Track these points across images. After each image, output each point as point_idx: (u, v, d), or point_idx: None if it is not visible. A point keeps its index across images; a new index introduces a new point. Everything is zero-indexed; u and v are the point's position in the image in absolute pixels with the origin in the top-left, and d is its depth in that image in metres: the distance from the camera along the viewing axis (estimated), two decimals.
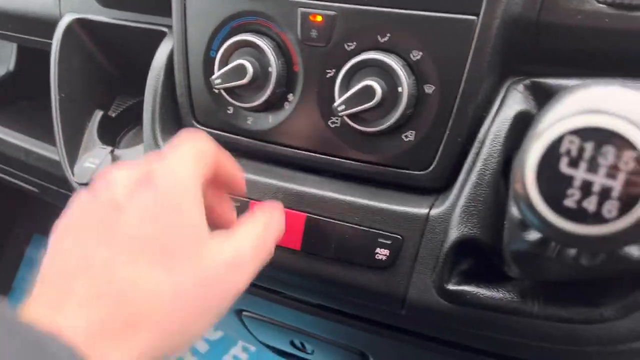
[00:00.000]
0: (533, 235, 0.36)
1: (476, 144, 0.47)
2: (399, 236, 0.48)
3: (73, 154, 0.69)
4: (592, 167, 0.27)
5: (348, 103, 0.48)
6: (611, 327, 0.43)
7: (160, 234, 0.35)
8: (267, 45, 0.52)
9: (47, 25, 0.72)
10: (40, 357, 0.29)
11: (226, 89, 0.53)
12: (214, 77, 0.53)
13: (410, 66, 0.48)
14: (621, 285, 0.43)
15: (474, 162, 0.47)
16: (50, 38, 0.70)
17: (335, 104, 0.48)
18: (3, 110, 0.93)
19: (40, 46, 0.77)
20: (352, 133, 0.51)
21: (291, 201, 0.52)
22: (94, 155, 0.67)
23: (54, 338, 0.30)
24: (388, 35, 0.48)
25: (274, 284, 0.58)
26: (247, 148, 0.56)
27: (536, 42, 0.47)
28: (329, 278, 0.51)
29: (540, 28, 0.46)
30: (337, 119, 0.51)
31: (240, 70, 0.52)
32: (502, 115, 0.47)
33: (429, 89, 0.48)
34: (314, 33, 0.51)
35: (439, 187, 0.50)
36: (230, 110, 0.56)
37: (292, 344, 0.76)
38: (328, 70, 0.51)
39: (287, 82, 0.53)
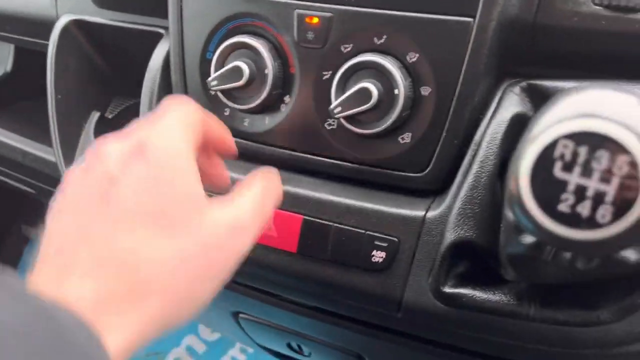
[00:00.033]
0: (529, 239, 0.36)
1: (472, 146, 0.47)
2: (395, 239, 0.48)
3: (70, 155, 0.69)
4: (586, 171, 0.27)
5: (344, 105, 0.48)
6: (608, 329, 0.43)
7: (158, 204, 0.35)
8: (263, 47, 0.52)
9: (43, 26, 0.72)
10: (49, 325, 0.28)
11: (222, 91, 0.53)
12: (210, 78, 0.52)
13: (407, 68, 0.48)
14: (618, 288, 0.43)
15: (470, 165, 0.47)
16: (47, 39, 0.70)
17: (332, 106, 0.48)
18: (0, 112, 0.93)
19: (38, 47, 0.76)
20: (349, 135, 0.50)
21: (287, 203, 0.52)
22: None
23: (61, 307, 0.30)
24: (384, 37, 0.48)
25: (270, 286, 0.58)
26: (244, 150, 0.56)
27: (532, 44, 0.47)
28: (325, 281, 0.51)
29: (536, 30, 0.46)
30: (333, 121, 0.51)
31: (236, 72, 0.51)
32: (499, 117, 0.47)
33: (425, 91, 0.48)
34: (310, 35, 0.50)
35: (436, 189, 0.49)
36: (227, 112, 0.56)
37: (289, 346, 0.76)
38: (324, 72, 0.51)
39: (283, 84, 0.53)
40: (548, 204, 0.28)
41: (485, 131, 0.47)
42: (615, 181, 0.27)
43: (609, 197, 0.27)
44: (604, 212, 0.27)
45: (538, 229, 0.29)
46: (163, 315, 0.34)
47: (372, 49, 0.48)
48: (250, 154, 0.56)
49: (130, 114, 0.71)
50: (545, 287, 0.44)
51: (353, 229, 0.50)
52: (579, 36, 0.45)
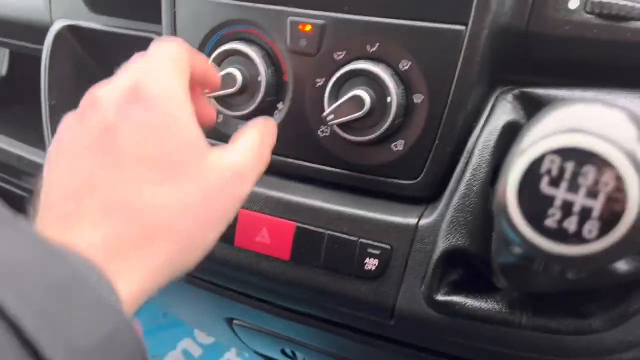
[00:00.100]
0: (519, 249, 0.36)
1: (465, 154, 0.47)
2: (388, 246, 0.48)
3: None
4: (573, 187, 0.27)
5: (337, 113, 0.48)
6: (600, 338, 0.43)
7: (160, 150, 0.34)
8: (256, 54, 0.52)
9: (38, 31, 0.72)
10: (62, 266, 0.28)
11: (216, 98, 0.53)
12: None
13: (400, 76, 0.48)
14: (610, 297, 0.43)
15: (463, 172, 0.47)
16: (42, 44, 0.70)
17: (325, 114, 0.48)
18: None
19: (33, 52, 0.76)
20: (342, 142, 0.50)
21: (281, 210, 0.52)
22: None
23: (72, 251, 0.30)
24: (377, 45, 0.48)
25: (263, 293, 0.58)
26: None
27: (525, 52, 0.47)
28: (319, 288, 0.51)
29: (529, 38, 0.46)
30: (326, 129, 0.51)
31: (230, 79, 0.51)
32: (491, 125, 0.47)
33: (418, 98, 0.48)
34: (303, 42, 0.50)
35: (429, 196, 0.49)
36: (220, 119, 0.56)
37: (283, 352, 0.75)
38: (317, 80, 0.50)
39: (276, 91, 0.53)
40: (535, 218, 0.28)
41: (478, 139, 0.47)
42: (601, 197, 0.27)
43: (596, 213, 0.27)
44: (591, 228, 0.27)
45: (525, 243, 0.29)
46: (171, 261, 0.34)
47: (365, 57, 0.48)
48: None
49: None
50: (537, 296, 0.44)
51: (346, 236, 0.49)
52: (571, 44, 0.45)
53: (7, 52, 0.94)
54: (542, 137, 0.27)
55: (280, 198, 0.52)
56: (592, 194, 0.27)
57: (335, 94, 0.49)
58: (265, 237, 0.52)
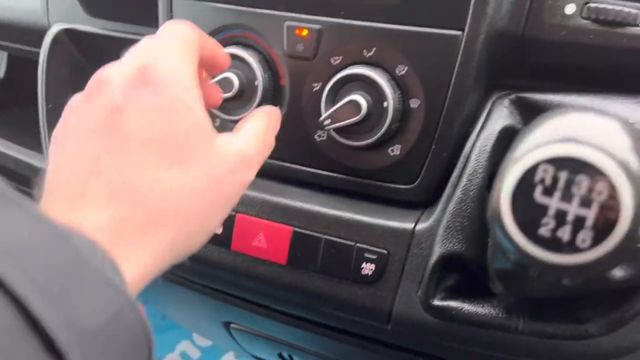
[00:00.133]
0: (514, 257, 0.36)
1: (462, 159, 0.47)
2: (384, 251, 0.48)
3: None
4: (566, 196, 0.27)
5: (334, 117, 0.48)
6: (596, 343, 0.43)
7: (166, 134, 0.34)
8: (253, 58, 0.52)
9: (35, 34, 0.72)
10: (67, 247, 0.28)
11: None
12: None
13: (396, 80, 0.48)
14: (606, 302, 0.43)
15: (459, 177, 0.47)
16: (39, 47, 0.70)
17: (321, 118, 0.48)
18: None
19: (30, 55, 0.76)
20: (339, 147, 0.50)
21: (277, 215, 0.52)
22: None
23: (77, 233, 0.29)
24: (374, 49, 0.48)
25: (260, 297, 0.58)
26: None
27: (521, 57, 0.47)
28: (315, 292, 0.51)
29: (525, 43, 0.46)
30: (323, 133, 0.51)
31: (226, 83, 0.51)
32: (488, 130, 0.47)
33: (414, 103, 0.48)
34: (299, 47, 0.50)
35: (425, 201, 0.49)
36: (217, 123, 0.56)
37: (280, 356, 0.75)
38: (314, 84, 0.51)
39: (273, 95, 0.53)
40: (529, 227, 0.28)
41: (474, 144, 0.47)
42: (594, 206, 0.27)
43: (589, 222, 0.27)
44: (584, 237, 0.27)
45: (519, 251, 0.29)
46: (175, 244, 0.34)
47: (361, 62, 0.48)
48: None
49: None
50: (533, 301, 0.44)
51: (343, 240, 0.49)
52: (568, 50, 0.45)
53: (4, 54, 0.94)
54: (536, 146, 0.28)
55: (276, 202, 0.52)
56: (586, 203, 0.27)
57: (332, 99, 0.49)
58: (261, 241, 0.52)
